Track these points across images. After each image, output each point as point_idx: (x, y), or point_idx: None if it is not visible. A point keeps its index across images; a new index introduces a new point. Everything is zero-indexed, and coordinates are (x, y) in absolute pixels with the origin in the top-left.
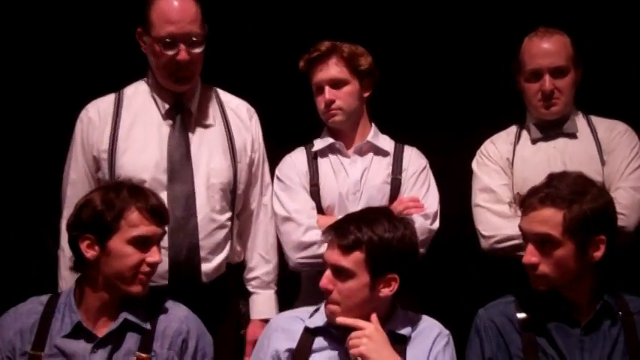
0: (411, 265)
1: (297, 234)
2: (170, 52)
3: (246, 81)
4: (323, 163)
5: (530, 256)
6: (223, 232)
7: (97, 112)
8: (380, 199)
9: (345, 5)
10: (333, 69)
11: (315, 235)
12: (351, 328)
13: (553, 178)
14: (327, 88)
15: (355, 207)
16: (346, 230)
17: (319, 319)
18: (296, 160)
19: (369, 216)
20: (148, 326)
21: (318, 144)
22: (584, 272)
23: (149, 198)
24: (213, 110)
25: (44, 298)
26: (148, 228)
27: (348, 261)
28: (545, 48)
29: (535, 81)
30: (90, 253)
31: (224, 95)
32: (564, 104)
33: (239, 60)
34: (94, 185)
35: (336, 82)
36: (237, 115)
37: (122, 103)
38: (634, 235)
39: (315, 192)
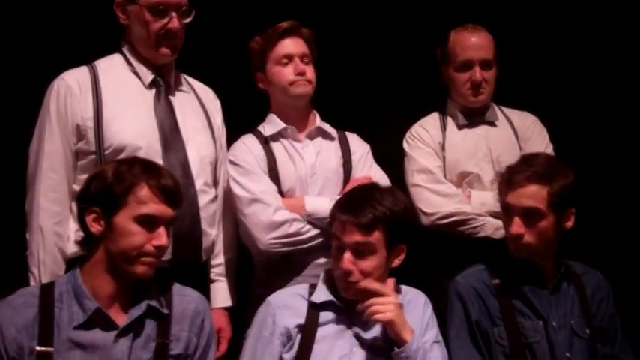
0: (413, 233)
1: (267, 214)
2: (162, 20)
3: None
4: (276, 147)
5: (518, 227)
6: (214, 207)
7: (75, 80)
8: (336, 182)
9: None
10: (301, 44)
11: (285, 214)
12: (357, 300)
13: (529, 159)
14: (297, 60)
15: (314, 190)
16: (362, 210)
17: (323, 295)
18: (250, 146)
19: (372, 193)
20: (166, 310)
21: (269, 129)
22: (556, 240)
23: (163, 177)
24: (186, 88)
25: (34, 289)
26: (157, 207)
27: (370, 239)
28: (476, 42)
29: (465, 71)
30: (95, 228)
31: (187, 77)
32: (489, 94)
33: None
34: (71, 158)
35: (305, 56)
36: (207, 97)
37: (98, 74)
38: None
39: (273, 176)
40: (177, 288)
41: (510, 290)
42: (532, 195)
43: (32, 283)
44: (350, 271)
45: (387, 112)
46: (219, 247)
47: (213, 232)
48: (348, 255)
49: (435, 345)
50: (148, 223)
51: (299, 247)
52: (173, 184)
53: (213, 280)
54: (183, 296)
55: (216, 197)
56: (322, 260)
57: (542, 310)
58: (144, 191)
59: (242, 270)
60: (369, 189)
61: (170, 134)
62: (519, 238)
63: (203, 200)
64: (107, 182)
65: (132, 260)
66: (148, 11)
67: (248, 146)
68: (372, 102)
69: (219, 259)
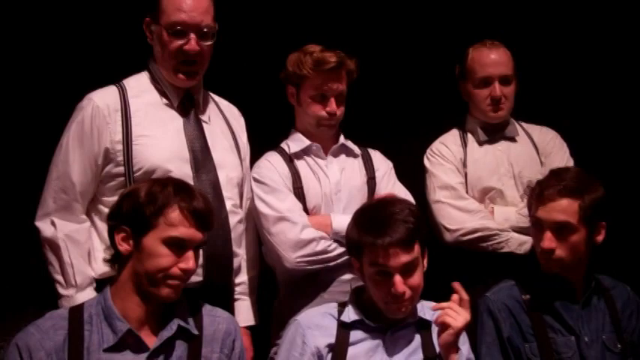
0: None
1: (294, 232)
2: (179, 42)
3: None
4: (301, 165)
5: (549, 242)
6: (241, 228)
7: (104, 101)
8: (360, 198)
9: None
10: (342, 83)
11: (312, 232)
12: (389, 320)
13: (558, 173)
14: (333, 100)
15: (339, 207)
16: (395, 228)
17: (353, 314)
18: (275, 164)
19: (390, 210)
20: (196, 332)
21: (294, 147)
22: (587, 255)
23: (195, 199)
24: (213, 107)
25: (62, 312)
26: (187, 230)
27: (414, 255)
28: (495, 58)
29: (484, 87)
30: (123, 247)
31: (212, 95)
32: (508, 110)
33: None
34: (91, 179)
35: (341, 94)
36: (232, 115)
37: (127, 94)
38: None
39: (299, 194)
40: (207, 309)
41: (541, 306)
42: (564, 209)
43: (60, 290)
44: (404, 292)
45: (406, 130)
46: (242, 264)
47: (241, 253)
48: (399, 278)
49: None
50: (177, 246)
51: (326, 265)
52: (205, 207)
53: (236, 299)
54: (214, 317)
55: (242, 217)
56: (348, 277)
57: (574, 325)
58: (175, 214)
59: (262, 288)
60: (382, 206)
61: (201, 155)
62: (551, 253)
63: (233, 221)
64: (139, 202)
65: (157, 282)
66: (166, 31)
67: (273, 164)
68: (391, 119)
69: (242, 278)
